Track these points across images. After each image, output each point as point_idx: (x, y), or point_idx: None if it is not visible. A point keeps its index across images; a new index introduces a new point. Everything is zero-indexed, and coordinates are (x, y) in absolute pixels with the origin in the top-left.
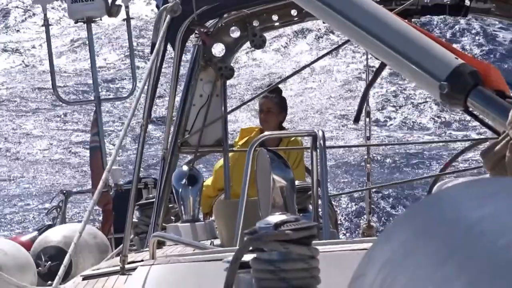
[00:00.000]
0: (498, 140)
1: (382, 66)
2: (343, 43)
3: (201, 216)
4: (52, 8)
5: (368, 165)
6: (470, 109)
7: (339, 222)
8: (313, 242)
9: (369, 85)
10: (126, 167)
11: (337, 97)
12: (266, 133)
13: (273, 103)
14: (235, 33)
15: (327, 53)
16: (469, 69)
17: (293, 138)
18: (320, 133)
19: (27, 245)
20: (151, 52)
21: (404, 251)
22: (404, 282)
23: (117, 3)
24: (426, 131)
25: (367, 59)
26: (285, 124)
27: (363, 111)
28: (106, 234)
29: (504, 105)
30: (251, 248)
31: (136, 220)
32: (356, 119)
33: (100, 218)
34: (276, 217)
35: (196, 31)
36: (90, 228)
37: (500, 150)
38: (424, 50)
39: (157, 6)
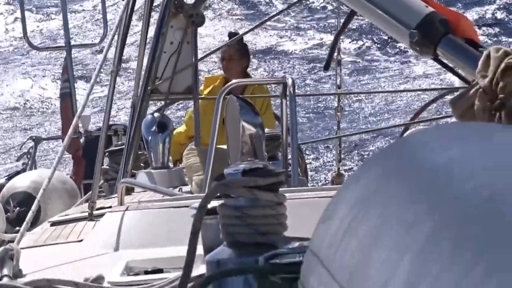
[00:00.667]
0: (467, 88)
1: (353, 13)
2: None
3: (171, 163)
4: None
5: (338, 113)
6: (440, 57)
7: (309, 170)
8: (281, 189)
9: (339, 32)
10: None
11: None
12: (235, 80)
13: (234, 50)
14: None
15: (293, 4)
16: (439, 17)
17: (257, 86)
18: (290, 81)
19: None
20: None
21: (372, 192)
22: (371, 223)
23: None
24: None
25: (338, 6)
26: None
27: (333, 58)
28: (79, 181)
29: (473, 53)
30: (218, 194)
31: (106, 167)
32: (326, 67)
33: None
34: (244, 164)
35: None
36: (60, 174)
37: (469, 98)
38: None
39: None
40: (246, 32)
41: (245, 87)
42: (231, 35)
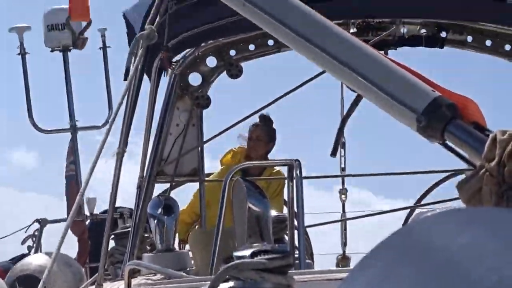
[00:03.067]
0: (474, 172)
1: (359, 98)
2: (318, 74)
3: (176, 245)
4: None
5: (343, 195)
6: (447, 141)
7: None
8: (289, 271)
9: (346, 118)
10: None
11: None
12: (241, 164)
13: (263, 132)
14: (212, 63)
15: (303, 84)
16: (446, 102)
17: (276, 169)
18: (296, 163)
19: (2, 274)
20: (125, 78)
21: (380, 279)
22: None
23: (85, 35)
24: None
25: (341, 91)
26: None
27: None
28: (83, 263)
29: (480, 138)
30: (227, 276)
31: (112, 250)
32: (333, 153)
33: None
34: (252, 246)
35: (162, 58)
36: (65, 257)
37: (476, 182)
38: (401, 83)
39: (125, 20)
40: (252, 114)
41: (264, 169)
42: (263, 117)
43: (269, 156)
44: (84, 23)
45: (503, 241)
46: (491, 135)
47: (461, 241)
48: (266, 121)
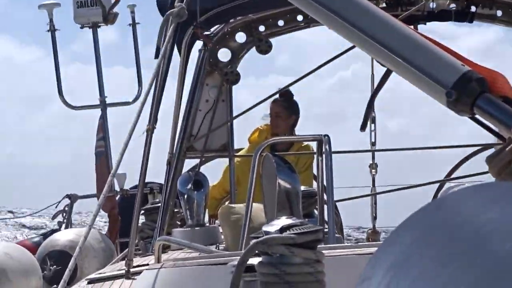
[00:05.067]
0: (504, 146)
1: (388, 72)
2: (348, 49)
3: (206, 220)
4: None
5: (373, 170)
6: (477, 115)
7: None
8: (319, 246)
9: (375, 92)
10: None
11: None
12: (270, 139)
13: (281, 107)
14: (241, 38)
15: (332, 59)
16: (475, 76)
17: (305, 144)
18: (326, 138)
19: (33, 249)
20: (156, 56)
21: (409, 254)
22: (408, 285)
23: (114, 10)
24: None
25: (372, 65)
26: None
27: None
28: (113, 239)
29: (510, 111)
30: (256, 251)
31: (142, 225)
32: (363, 127)
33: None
34: (281, 221)
35: (199, 35)
36: (96, 232)
37: (506, 156)
38: (431, 57)
39: (159, 8)
40: (291, 84)
41: (292, 144)
42: (281, 92)
43: (297, 131)
44: None
45: None
46: None
47: (490, 216)
48: (283, 96)
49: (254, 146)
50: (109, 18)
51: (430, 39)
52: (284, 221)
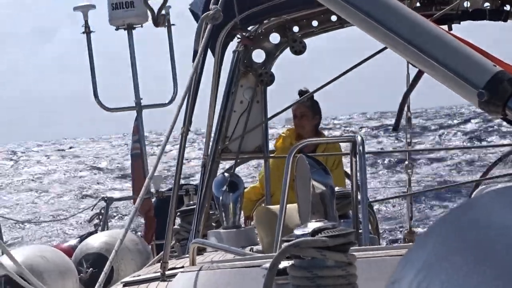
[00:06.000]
0: None
1: (420, 73)
2: (380, 50)
3: (242, 222)
4: None
5: (409, 170)
6: (509, 116)
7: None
8: (352, 248)
9: (408, 92)
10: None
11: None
12: (306, 140)
13: (306, 108)
14: (275, 39)
15: (363, 61)
16: (507, 76)
17: (332, 143)
18: (359, 139)
19: (69, 252)
20: (193, 60)
21: (439, 255)
22: (439, 287)
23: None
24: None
25: (407, 66)
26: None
27: (403, 118)
28: (149, 241)
29: None
30: (288, 255)
31: (177, 227)
32: (395, 128)
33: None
34: (313, 224)
35: (238, 35)
36: (132, 235)
37: None
38: (462, 57)
39: (192, 12)
40: (318, 89)
41: (317, 145)
42: (301, 92)
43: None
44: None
45: None
46: None
47: None
48: (301, 95)
49: (280, 152)
50: (160, 20)
51: (461, 39)
52: (316, 223)
